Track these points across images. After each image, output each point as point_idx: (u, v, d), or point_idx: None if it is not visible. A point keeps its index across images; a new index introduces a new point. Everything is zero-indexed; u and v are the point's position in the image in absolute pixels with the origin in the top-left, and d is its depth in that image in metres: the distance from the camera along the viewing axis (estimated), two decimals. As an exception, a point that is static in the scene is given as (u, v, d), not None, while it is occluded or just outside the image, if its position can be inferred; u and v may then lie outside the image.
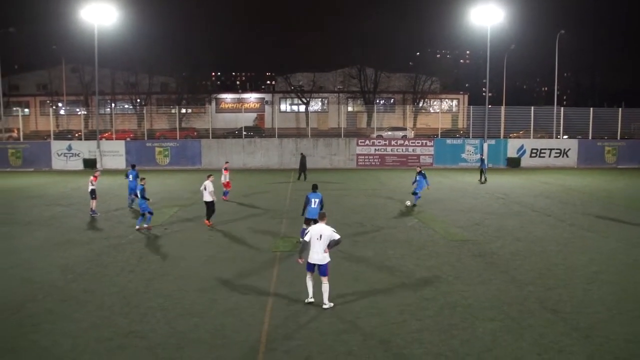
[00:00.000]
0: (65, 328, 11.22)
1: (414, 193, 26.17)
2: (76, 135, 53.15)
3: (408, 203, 26.43)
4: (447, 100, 77.67)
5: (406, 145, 48.04)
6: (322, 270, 12.11)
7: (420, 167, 27.50)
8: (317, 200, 16.86)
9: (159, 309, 12.24)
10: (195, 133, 54.13)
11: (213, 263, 16.10)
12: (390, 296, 13.07)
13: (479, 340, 10.52)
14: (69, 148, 47.83)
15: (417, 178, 26.22)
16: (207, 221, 21.53)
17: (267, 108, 73.90)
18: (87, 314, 11.96)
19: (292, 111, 75.00)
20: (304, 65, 75.56)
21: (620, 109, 50.20)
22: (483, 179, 36.37)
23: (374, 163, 47.58)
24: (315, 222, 13.30)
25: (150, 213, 20.83)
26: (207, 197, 21.46)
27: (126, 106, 70.80)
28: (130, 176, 25.80)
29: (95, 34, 45.49)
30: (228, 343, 10.45)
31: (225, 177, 28.09)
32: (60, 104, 71.79)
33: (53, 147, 48.09)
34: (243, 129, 52.17)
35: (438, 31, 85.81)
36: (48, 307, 12.41)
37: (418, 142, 48.34)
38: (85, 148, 47.80)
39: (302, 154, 39.90)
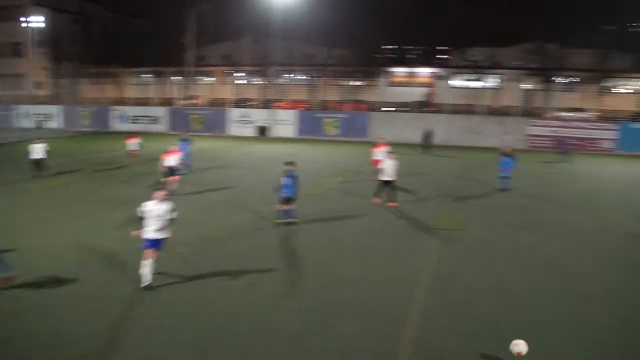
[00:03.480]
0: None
1: (504, 177, 23.33)
2: (252, 104, 55.94)
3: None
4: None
5: (585, 127, 44.31)
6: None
7: (507, 148, 24.10)
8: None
9: (311, 275, 12.45)
10: (364, 106, 54.31)
11: (369, 235, 15.98)
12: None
13: None
14: (245, 115, 50.49)
15: (502, 160, 23.23)
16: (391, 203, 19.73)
17: (439, 83, 72.12)
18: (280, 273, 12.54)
19: (464, 87, 72.47)
20: (479, 39, 72.34)
21: None
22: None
23: (547, 145, 44.26)
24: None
25: None
26: (384, 176, 19.65)
27: (300, 77, 72.80)
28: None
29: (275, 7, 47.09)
30: (375, 312, 10.45)
31: (375, 155, 23.41)
32: (240, 74, 75.91)
33: (230, 114, 51.11)
34: (413, 103, 51.48)
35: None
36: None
37: (599, 125, 44.39)
38: (259, 116, 50.18)
39: (427, 128, 40.51)
